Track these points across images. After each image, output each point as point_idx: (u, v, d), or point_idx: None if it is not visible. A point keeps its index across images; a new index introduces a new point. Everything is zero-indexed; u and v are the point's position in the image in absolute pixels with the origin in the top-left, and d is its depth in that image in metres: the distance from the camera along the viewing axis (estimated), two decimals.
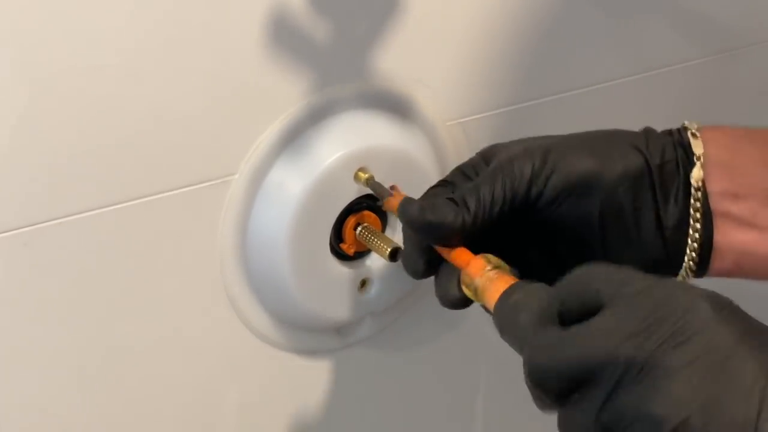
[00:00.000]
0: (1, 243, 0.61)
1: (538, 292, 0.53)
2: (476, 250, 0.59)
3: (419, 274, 0.62)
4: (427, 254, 0.61)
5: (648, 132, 0.64)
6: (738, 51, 0.86)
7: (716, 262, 0.63)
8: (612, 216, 0.62)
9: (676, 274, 0.64)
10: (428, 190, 0.64)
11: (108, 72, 0.61)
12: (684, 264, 0.63)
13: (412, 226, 0.61)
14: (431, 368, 0.80)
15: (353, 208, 0.69)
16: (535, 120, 0.77)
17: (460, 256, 0.59)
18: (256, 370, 0.73)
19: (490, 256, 0.58)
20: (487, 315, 0.56)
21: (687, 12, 0.82)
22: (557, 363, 0.49)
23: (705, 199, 0.62)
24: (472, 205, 0.60)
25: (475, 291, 0.56)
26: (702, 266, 0.63)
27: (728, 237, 0.63)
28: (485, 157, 0.64)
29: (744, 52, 0.86)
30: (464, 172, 0.63)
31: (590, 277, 0.51)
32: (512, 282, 0.55)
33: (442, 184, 0.64)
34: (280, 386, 0.74)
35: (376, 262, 0.71)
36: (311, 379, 0.75)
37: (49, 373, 0.65)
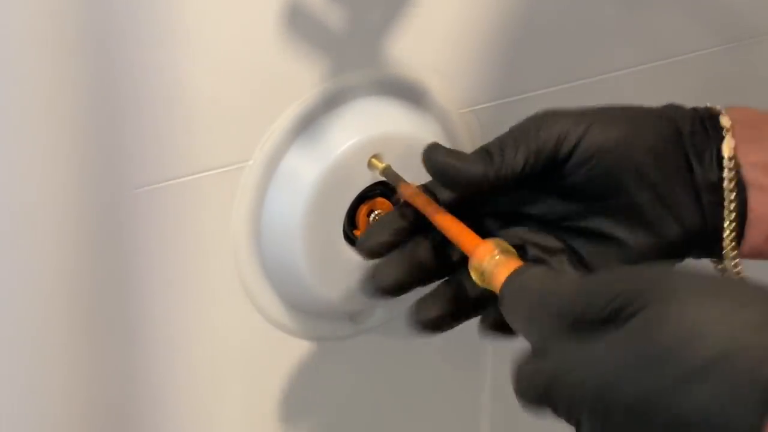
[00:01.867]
0: None
1: (548, 278, 0.53)
2: (497, 209, 0.60)
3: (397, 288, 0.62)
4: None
5: (673, 105, 0.64)
6: (753, 40, 0.86)
7: (749, 235, 0.62)
8: (647, 181, 0.61)
9: (712, 249, 0.62)
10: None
11: (120, 57, 0.61)
12: (724, 237, 0.62)
13: (434, 167, 0.60)
14: (442, 355, 0.80)
15: (367, 194, 0.69)
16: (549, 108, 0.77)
17: (468, 240, 0.58)
18: (268, 356, 0.73)
19: (499, 240, 0.57)
20: None
21: (702, 0, 0.82)
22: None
23: (738, 171, 0.62)
24: (497, 158, 0.60)
25: (482, 274, 0.56)
26: (737, 239, 0.62)
27: (760, 208, 0.62)
28: (524, 120, 0.63)
29: (759, 41, 0.86)
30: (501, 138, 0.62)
31: (618, 283, 0.49)
32: (520, 265, 0.55)
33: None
34: (292, 372, 0.74)
35: None
36: (324, 366, 0.75)
37: (53, 354, 0.65)
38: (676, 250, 0.62)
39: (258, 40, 0.65)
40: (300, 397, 0.75)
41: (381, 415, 0.79)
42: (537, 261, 0.62)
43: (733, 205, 0.62)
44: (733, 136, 0.62)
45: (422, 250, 0.62)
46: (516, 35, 0.74)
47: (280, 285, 0.70)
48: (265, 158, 0.67)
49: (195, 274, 0.68)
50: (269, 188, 0.68)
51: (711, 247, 0.63)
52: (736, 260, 0.62)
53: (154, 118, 0.63)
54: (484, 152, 0.61)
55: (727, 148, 0.62)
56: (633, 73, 0.80)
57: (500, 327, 0.61)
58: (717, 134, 0.62)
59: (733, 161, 0.62)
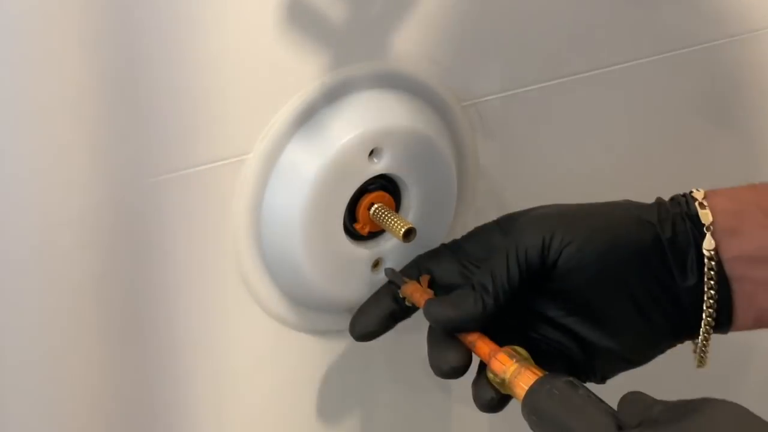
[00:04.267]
0: None
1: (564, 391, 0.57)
2: (496, 325, 0.63)
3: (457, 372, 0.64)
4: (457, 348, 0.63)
5: (658, 204, 0.66)
6: (755, 33, 0.85)
7: (737, 321, 0.65)
8: (627, 288, 0.63)
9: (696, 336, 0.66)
10: (440, 247, 0.68)
11: (120, 52, 0.61)
12: (701, 329, 0.65)
13: (441, 327, 0.63)
14: None
15: (367, 188, 0.69)
16: (550, 101, 0.77)
17: (485, 348, 0.62)
18: (267, 348, 0.73)
19: (517, 348, 0.61)
20: None
21: None
22: None
23: (720, 267, 0.64)
24: (489, 286, 0.63)
25: (502, 383, 0.59)
26: (721, 326, 0.65)
27: (747, 298, 0.64)
28: (500, 223, 0.66)
29: (761, 34, 0.86)
30: (477, 240, 0.67)
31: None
32: (539, 375, 0.58)
33: (453, 246, 0.67)
34: (291, 364, 0.74)
35: (389, 242, 0.71)
36: (323, 359, 0.75)
37: (62, 353, 0.65)
38: (662, 345, 0.66)
39: (258, 33, 0.64)
40: (298, 389, 0.75)
41: (380, 407, 0.79)
42: (540, 338, 0.65)
43: (712, 302, 0.64)
44: (714, 234, 0.64)
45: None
46: (517, 28, 0.74)
47: (279, 278, 0.70)
48: (266, 151, 0.67)
49: (195, 267, 0.68)
50: (269, 181, 0.68)
51: (694, 332, 0.66)
52: (707, 344, 0.66)
53: (157, 111, 0.63)
54: (479, 284, 0.63)
55: (706, 248, 0.64)
56: (635, 66, 0.80)
57: (495, 408, 0.63)
58: (697, 233, 0.64)
59: (713, 261, 0.64)
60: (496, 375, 0.60)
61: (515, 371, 0.59)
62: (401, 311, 0.67)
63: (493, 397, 0.61)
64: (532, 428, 0.57)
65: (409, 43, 0.70)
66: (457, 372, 0.63)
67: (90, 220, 0.63)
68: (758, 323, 0.65)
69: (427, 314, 0.64)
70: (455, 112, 0.73)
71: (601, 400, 0.57)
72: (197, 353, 0.70)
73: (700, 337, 0.65)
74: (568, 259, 0.63)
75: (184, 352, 0.69)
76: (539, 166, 0.79)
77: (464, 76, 0.73)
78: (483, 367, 0.63)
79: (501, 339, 0.63)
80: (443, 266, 0.67)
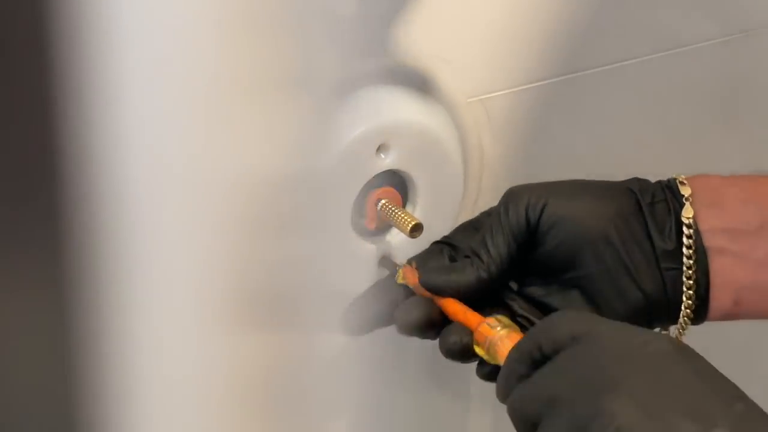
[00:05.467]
0: None
1: None
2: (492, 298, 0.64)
3: (423, 333, 0.65)
4: (429, 313, 0.65)
5: (636, 179, 0.67)
6: (760, 30, 0.85)
7: (715, 300, 0.65)
8: (609, 249, 0.64)
9: (675, 317, 0.66)
10: (431, 245, 0.68)
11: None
12: (682, 303, 0.65)
13: (433, 289, 0.64)
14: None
15: (375, 183, 0.69)
16: (556, 98, 0.77)
17: (471, 318, 0.63)
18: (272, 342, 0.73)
19: (500, 317, 0.62)
20: None
21: None
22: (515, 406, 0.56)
23: (698, 237, 0.64)
24: (483, 254, 0.64)
25: (488, 350, 0.61)
26: (701, 306, 0.65)
27: (725, 272, 0.64)
28: (483, 213, 0.68)
29: (764, 31, 0.86)
30: (464, 230, 0.67)
31: (552, 324, 0.57)
32: (521, 338, 0.59)
33: (442, 241, 0.67)
34: (296, 363, 0.74)
35: (395, 238, 0.71)
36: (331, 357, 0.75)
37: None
38: (640, 319, 0.65)
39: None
40: (303, 388, 0.75)
41: (382, 406, 0.79)
42: (524, 318, 0.66)
43: (691, 272, 0.64)
44: (693, 203, 0.65)
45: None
46: (524, 25, 0.74)
47: None
48: None
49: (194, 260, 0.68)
50: None
51: (674, 315, 0.66)
52: (687, 326, 0.66)
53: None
54: (472, 254, 0.64)
55: (685, 216, 0.64)
56: (640, 63, 0.80)
57: (459, 354, 0.64)
58: (677, 202, 0.65)
59: (691, 229, 0.64)
60: (481, 341, 0.61)
61: (500, 337, 0.60)
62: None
63: (456, 341, 0.63)
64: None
65: (417, 39, 0.70)
66: (425, 328, 0.64)
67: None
68: (736, 305, 0.65)
69: (425, 283, 0.64)
70: (462, 107, 0.73)
71: None
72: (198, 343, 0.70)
73: (681, 314, 0.65)
74: (548, 218, 0.64)
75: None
76: (545, 163, 0.79)
77: (471, 72, 0.73)
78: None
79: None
80: (436, 258, 0.68)
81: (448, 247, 0.67)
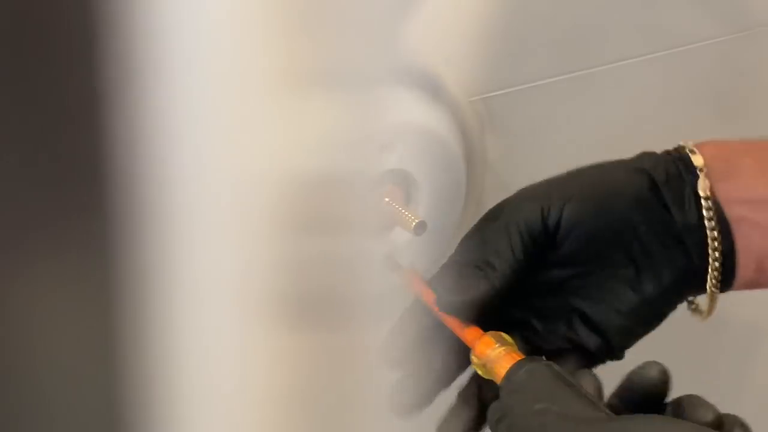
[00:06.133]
0: None
1: (542, 372, 0.57)
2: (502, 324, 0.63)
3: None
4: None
5: (646, 154, 0.66)
6: (763, 29, 0.85)
7: (740, 269, 0.64)
8: (632, 239, 0.64)
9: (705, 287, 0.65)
10: (439, 269, 0.66)
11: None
12: (708, 274, 0.64)
13: (449, 310, 0.63)
14: None
15: (378, 182, 0.69)
16: (558, 97, 0.77)
17: (470, 333, 0.62)
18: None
19: (501, 334, 0.61)
20: None
21: None
22: None
23: (718, 208, 0.64)
24: (495, 262, 0.62)
25: (484, 367, 0.60)
26: (728, 275, 0.64)
27: (747, 241, 0.64)
28: (490, 217, 0.66)
29: (765, 31, 0.86)
30: (470, 242, 0.65)
31: None
32: (519, 359, 0.59)
33: (450, 260, 0.65)
34: (299, 359, 0.74)
35: (399, 236, 0.71)
36: (332, 352, 0.75)
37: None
38: (671, 296, 0.65)
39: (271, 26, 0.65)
40: (303, 384, 0.75)
41: (385, 406, 0.79)
42: (547, 332, 0.65)
43: (716, 243, 0.64)
44: (707, 175, 0.64)
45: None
46: (526, 23, 0.75)
47: None
48: None
49: (200, 259, 0.68)
50: None
51: (703, 285, 0.65)
52: (715, 296, 0.65)
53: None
54: (484, 262, 0.63)
55: (702, 189, 0.64)
56: (642, 62, 0.80)
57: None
58: (691, 176, 0.64)
59: (710, 201, 0.63)
60: (479, 358, 0.61)
61: (498, 355, 0.60)
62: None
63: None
64: (509, 410, 0.58)
65: (419, 39, 0.70)
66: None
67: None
68: (759, 271, 0.64)
69: (439, 304, 0.63)
70: (464, 107, 0.73)
71: (574, 383, 0.57)
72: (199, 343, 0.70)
73: (708, 283, 0.64)
74: (570, 217, 0.63)
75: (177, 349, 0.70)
76: (547, 162, 0.78)
77: (472, 71, 0.73)
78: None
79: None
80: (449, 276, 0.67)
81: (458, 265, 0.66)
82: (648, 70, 0.81)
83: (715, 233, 0.63)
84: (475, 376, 0.64)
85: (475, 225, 0.67)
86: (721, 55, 0.84)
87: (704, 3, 0.82)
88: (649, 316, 0.65)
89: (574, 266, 0.64)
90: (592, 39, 0.78)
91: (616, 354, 0.66)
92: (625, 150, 0.82)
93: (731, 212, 0.64)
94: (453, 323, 0.63)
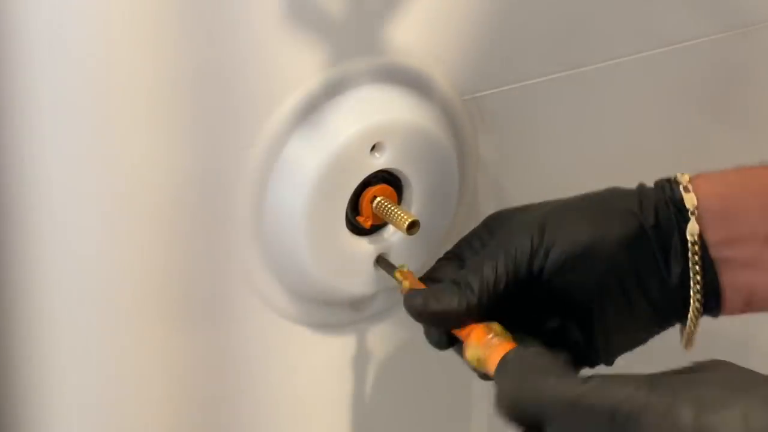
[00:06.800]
0: None
1: (533, 356, 0.58)
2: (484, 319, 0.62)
3: (444, 346, 0.65)
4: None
5: (640, 191, 0.66)
6: (755, 27, 0.85)
7: (726, 304, 0.65)
8: (615, 282, 0.64)
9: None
10: (436, 262, 0.67)
11: (117, 45, 0.61)
12: (689, 314, 0.65)
13: (419, 319, 0.63)
14: None
15: (371, 181, 0.69)
16: (550, 95, 0.77)
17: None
18: (268, 341, 0.73)
19: (493, 324, 0.61)
20: None
21: None
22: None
23: (705, 251, 0.64)
24: (475, 285, 0.62)
25: (478, 359, 0.60)
26: (710, 309, 0.65)
27: (733, 280, 0.64)
28: (489, 226, 0.66)
29: (761, 28, 0.86)
30: (471, 244, 0.66)
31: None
32: (512, 347, 0.59)
33: (450, 256, 0.67)
34: (291, 358, 0.74)
35: (393, 236, 0.71)
36: (324, 352, 0.75)
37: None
38: (653, 332, 0.67)
39: (260, 28, 0.64)
40: (297, 383, 0.75)
41: (382, 404, 0.79)
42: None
43: (698, 287, 0.64)
44: (699, 216, 0.64)
45: None
46: (518, 22, 0.74)
47: (282, 272, 0.70)
48: (267, 145, 0.67)
49: (196, 260, 0.68)
50: (271, 175, 0.68)
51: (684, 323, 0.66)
52: (694, 330, 0.66)
53: (150, 102, 0.63)
54: (465, 282, 0.63)
55: (690, 233, 0.64)
56: (635, 60, 0.80)
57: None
58: (682, 218, 0.64)
59: (697, 245, 0.64)
60: (471, 350, 0.61)
61: (490, 344, 0.60)
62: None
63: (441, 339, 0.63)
64: (499, 393, 0.58)
65: (411, 37, 0.70)
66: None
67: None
68: (748, 306, 0.65)
69: (406, 303, 0.64)
70: (456, 106, 0.73)
71: (569, 369, 0.58)
72: (194, 346, 0.70)
73: (688, 323, 0.65)
74: (554, 262, 0.63)
75: (179, 345, 0.69)
76: (540, 160, 0.79)
77: (465, 70, 0.73)
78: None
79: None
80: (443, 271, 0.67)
81: (455, 260, 0.67)
82: (640, 68, 0.80)
83: (698, 277, 0.64)
84: None
85: (474, 230, 0.67)
86: (713, 54, 0.84)
87: (696, 2, 0.82)
88: (631, 344, 0.67)
89: (558, 305, 0.65)
90: (584, 37, 0.78)
91: (606, 361, 0.67)
92: (618, 148, 0.82)
93: (719, 254, 0.64)
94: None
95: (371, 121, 0.68)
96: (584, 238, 0.64)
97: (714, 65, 0.84)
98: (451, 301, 0.62)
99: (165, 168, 0.65)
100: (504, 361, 0.59)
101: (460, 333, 0.62)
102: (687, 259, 0.64)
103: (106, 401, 0.68)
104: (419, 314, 0.63)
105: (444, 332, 0.64)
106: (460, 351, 0.63)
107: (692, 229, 0.64)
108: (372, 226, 0.70)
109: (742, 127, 0.88)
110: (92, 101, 0.62)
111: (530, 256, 0.63)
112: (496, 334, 0.60)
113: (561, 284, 0.64)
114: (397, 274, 0.67)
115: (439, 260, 0.68)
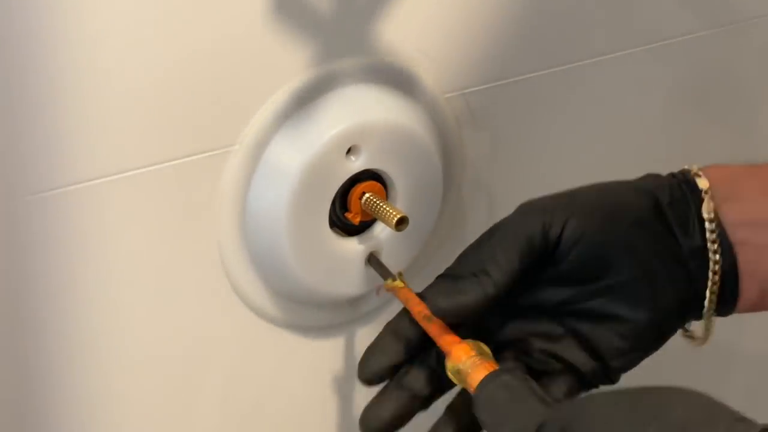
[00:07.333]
0: None
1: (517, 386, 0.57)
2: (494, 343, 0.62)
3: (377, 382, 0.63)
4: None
5: (650, 175, 0.65)
6: (741, 24, 0.86)
7: (743, 292, 0.64)
8: (635, 258, 0.62)
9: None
10: (435, 280, 0.64)
11: (106, 40, 0.60)
12: (706, 299, 0.63)
13: (442, 313, 0.61)
14: None
15: (359, 177, 0.68)
16: (537, 92, 0.77)
17: (447, 340, 0.61)
18: (251, 344, 0.72)
19: (476, 342, 0.60)
20: None
21: None
22: None
23: (721, 231, 0.63)
24: (491, 270, 0.61)
25: (458, 374, 0.59)
26: (730, 298, 0.64)
27: (751, 265, 0.63)
28: (491, 231, 0.64)
29: (747, 25, 0.86)
30: (469, 255, 0.64)
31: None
32: (493, 369, 0.58)
33: (447, 272, 0.64)
34: (275, 361, 0.73)
35: (381, 233, 0.70)
36: (308, 354, 0.74)
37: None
38: (672, 319, 0.64)
39: (242, 26, 0.64)
40: (283, 385, 0.74)
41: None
42: (542, 352, 0.64)
43: (717, 266, 0.63)
44: (712, 198, 0.64)
45: (417, 382, 0.63)
46: (503, 19, 0.74)
47: (266, 274, 0.69)
48: (251, 143, 0.66)
49: (178, 262, 0.67)
50: (255, 175, 0.67)
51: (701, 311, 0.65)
52: (712, 321, 0.65)
53: (137, 101, 0.62)
54: (480, 270, 0.61)
55: (706, 211, 0.63)
56: (622, 57, 0.80)
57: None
58: (696, 198, 0.64)
59: (714, 223, 0.63)
60: (453, 365, 0.60)
61: (472, 363, 0.59)
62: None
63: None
64: (480, 417, 0.57)
65: (395, 35, 0.69)
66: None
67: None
68: (763, 295, 0.64)
69: (433, 307, 0.61)
70: (441, 103, 0.72)
71: (544, 395, 0.57)
72: (178, 349, 0.69)
73: (706, 306, 0.64)
74: (571, 233, 0.62)
75: (163, 351, 0.68)
76: (527, 156, 0.79)
77: (450, 67, 0.73)
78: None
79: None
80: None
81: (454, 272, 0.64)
82: (627, 65, 0.80)
83: (717, 256, 0.63)
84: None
85: (476, 240, 0.65)
86: (700, 51, 0.84)
87: None
88: (650, 340, 0.64)
89: (573, 285, 0.63)
90: (572, 34, 0.77)
91: (611, 377, 0.64)
92: (606, 145, 0.82)
93: (735, 235, 0.63)
94: (433, 330, 0.61)
95: (346, 125, 0.67)
96: (601, 211, 0.62)
97: (700, 62, 0.84)
98: (473, 291, 0.61)
99: (145, 168, 0.64)
100: (482, 386, 0.58)
101: (444, 345, 0.61)
102: (704, 237, 0.63)
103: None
104: (446, 311, 0.61)
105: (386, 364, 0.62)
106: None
107: (708, 206, 0.63)
108: (361, 222, 0.69)
109: (729, 123, 0.88)
110: (73, 99, 0.61)
111: (543, 230, 0.62)
112: (479, 353, 0.60)
113: (578, 262, 0.62)
114: (390, 284, 0.66)
115: (439, 277, 0.65)
